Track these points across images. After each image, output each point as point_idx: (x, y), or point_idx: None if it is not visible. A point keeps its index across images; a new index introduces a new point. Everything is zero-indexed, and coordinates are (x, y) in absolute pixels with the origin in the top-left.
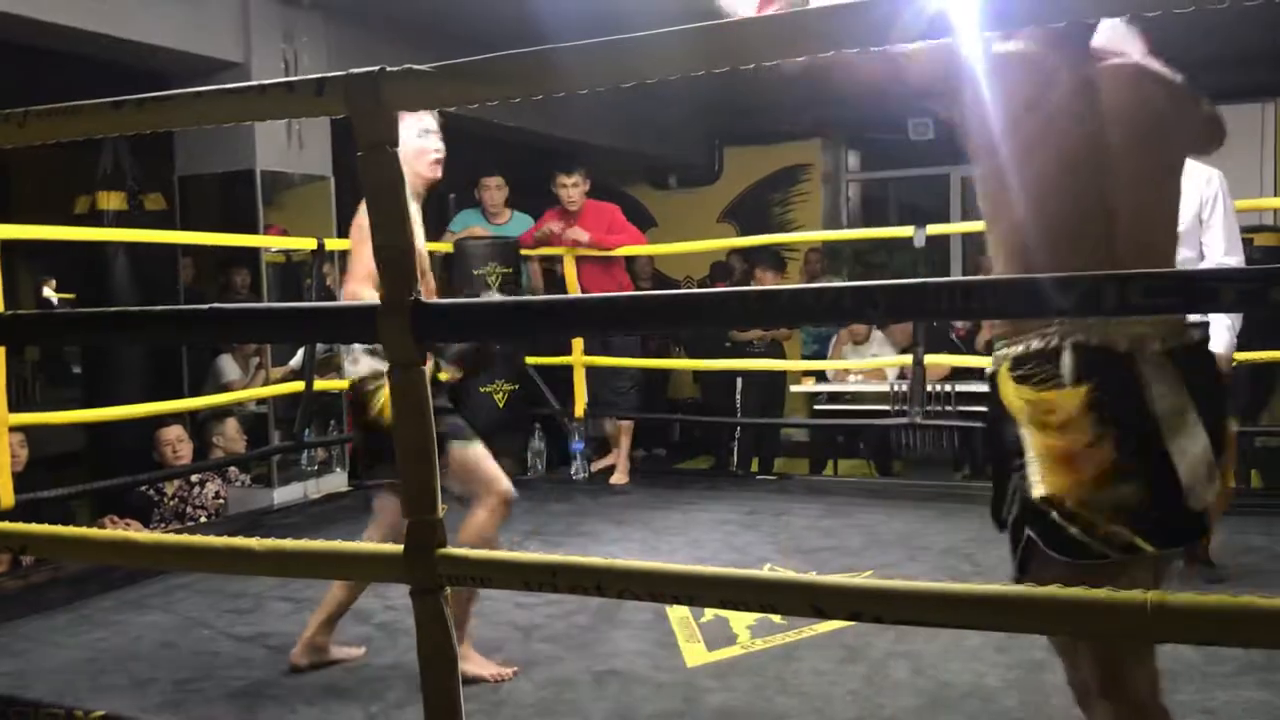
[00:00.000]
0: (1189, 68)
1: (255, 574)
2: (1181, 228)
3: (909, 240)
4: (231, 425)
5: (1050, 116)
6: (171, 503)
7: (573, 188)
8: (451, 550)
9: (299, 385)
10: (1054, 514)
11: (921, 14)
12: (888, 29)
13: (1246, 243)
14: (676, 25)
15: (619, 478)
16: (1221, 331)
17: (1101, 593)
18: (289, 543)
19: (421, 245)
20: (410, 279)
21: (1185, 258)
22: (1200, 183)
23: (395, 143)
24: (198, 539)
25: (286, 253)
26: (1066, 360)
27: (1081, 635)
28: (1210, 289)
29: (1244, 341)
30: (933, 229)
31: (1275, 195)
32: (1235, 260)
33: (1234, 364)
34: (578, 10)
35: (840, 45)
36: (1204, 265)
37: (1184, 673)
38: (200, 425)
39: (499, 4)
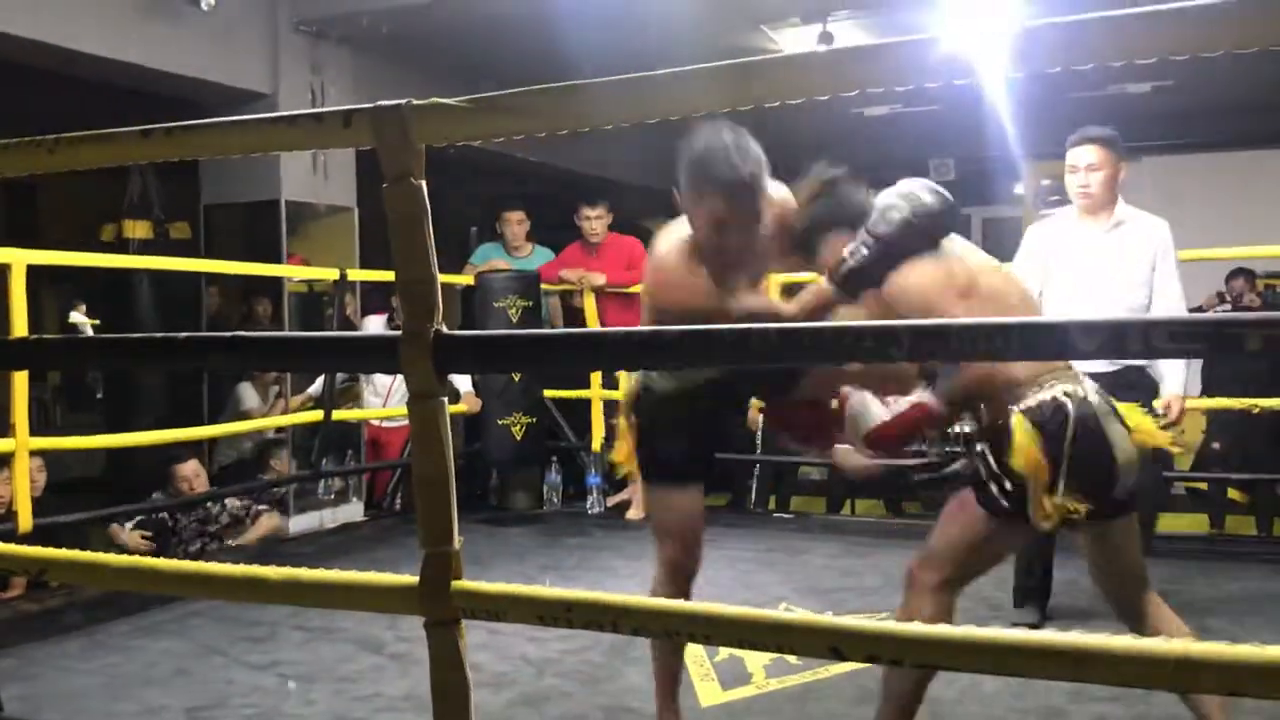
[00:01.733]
0: (1216, 113)
1: (270, 602)
2: (1136, 275)
3: None
4: (284, 454)
5: None
6: (190, 529)
7: (596, 220)
8: (467, 584)
9: (318, 415)
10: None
11: (943, 56)
12: (913, 70)
13: (1270, 289)
14: (704, 64)
15: (635, 513)
16: (1176, 372)
17: (1125, 641)
18: (304, 572)
19: None
20: (432, 310)
21: (1138, 303)
22: (1148, 230)
23: (421, 175)
24: (213, 566)
25: (309, 282)
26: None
27: (1108, 683)
28: (1236, 335)
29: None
30: None
31: None
32: (1180, 305)
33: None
34: (605, 47)
35: (866, 85)
36: (1156, 310)
37: None
38: (260, 450)
39: (526, 39)
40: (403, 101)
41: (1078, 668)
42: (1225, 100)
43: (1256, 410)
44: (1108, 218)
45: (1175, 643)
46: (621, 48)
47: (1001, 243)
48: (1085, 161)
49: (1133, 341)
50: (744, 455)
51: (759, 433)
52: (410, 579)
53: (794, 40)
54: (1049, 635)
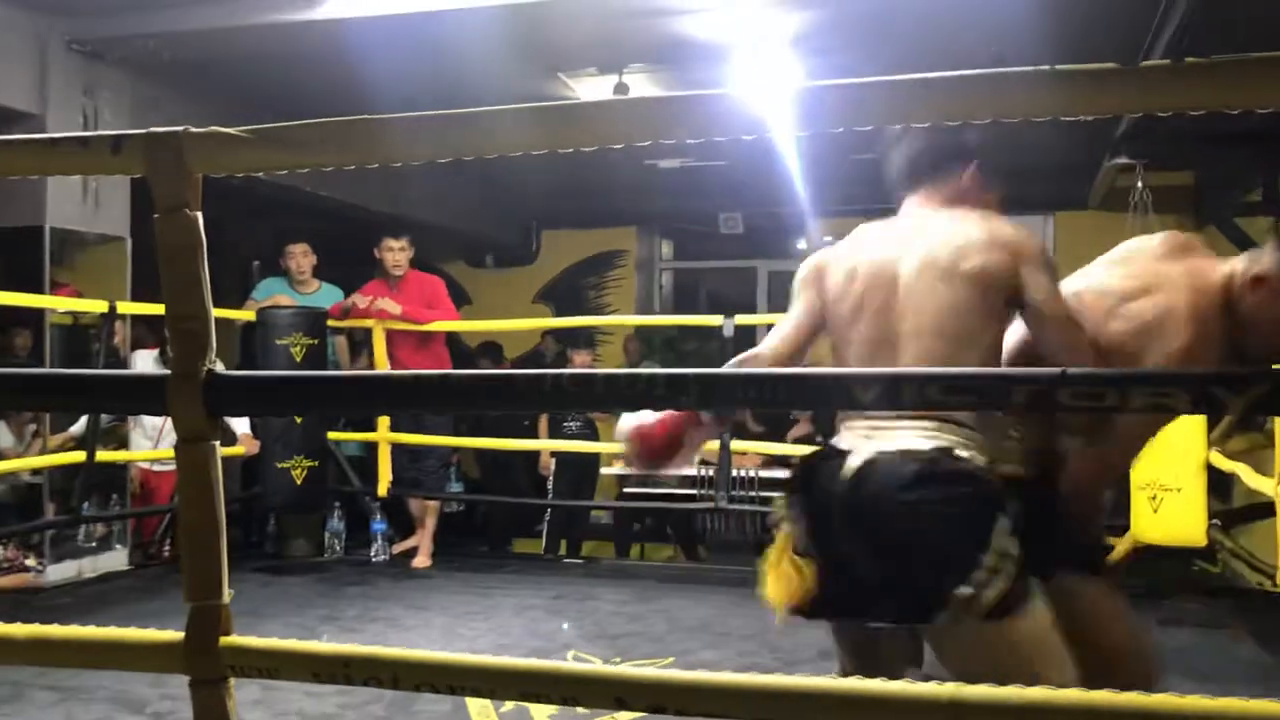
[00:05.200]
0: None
1: (16, 663)
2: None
3: (718, 329)
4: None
5: None
6: None
7: (399, 251)
8: (237, 639)
9: (80, 455)
10: None
11: (743, 113)
12: (717, 122)
13: None
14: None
15: (421, 560)
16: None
17: (898, 686)
18: (53, 630)
19: None
20: (205, 348)
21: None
22: None
23: (196, 206)
24: None
25: (75, 314)
26: None
27: None
28: (1004, 389)
29: None
30: (741, 319)
31: None
32: None
33: None
34: (403, 86)
35: (672, 134)
36: None
37: None
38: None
39: (324, 76)
40: (179, 129)
41: (857, 713)
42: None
43: None
44: None
45: (947, 686)
46: (419, 87)
47: (786, 295)
48: None
49: (908, 393)
50: (535, 500)
51: (549, 478)
52: (175, 635)
53: (590, 90)
54: (825, 682)
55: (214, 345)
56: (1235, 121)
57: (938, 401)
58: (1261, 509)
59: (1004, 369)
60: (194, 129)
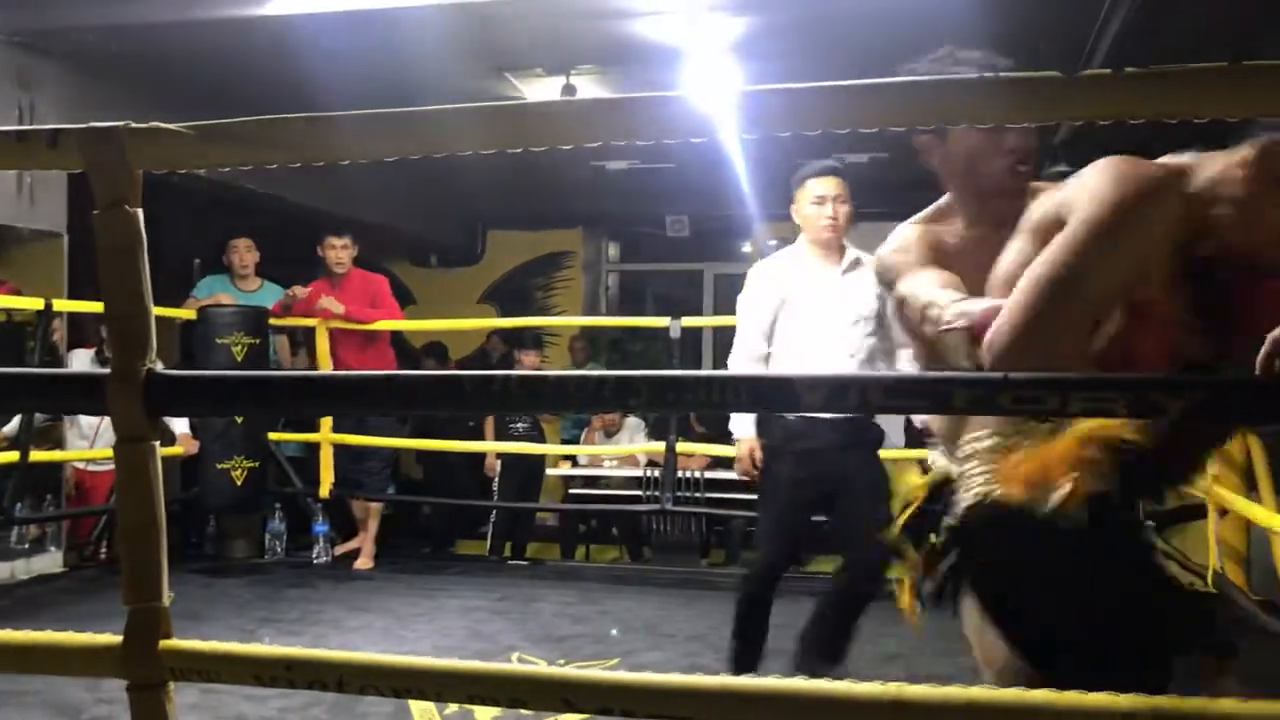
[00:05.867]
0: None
1: None
2: (872, 317)
3: (665, 330)
4: None
5: None
6: None
7: (342, 249)
8: (177, 643)
9: (13, 455)
10: None
11: (694, 115)
12: (665, 125)
13: None
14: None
15: (364, 562)
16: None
17: (843, 686)
18: None
19: None
20: (144, 347)
21: (876, 346)
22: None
23: (137, 203)
24: None
25: (9, 312)
26: None
27: None
28: (946, 392)
29: None
30: (687, 321)
31: None
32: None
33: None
34: (350, 85)
35: (621, 136)
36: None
37: None
38: None
39: (269, 73)
40: (119, 124)
41: (800, 713)
42: (930, 175)
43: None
44: (841, 257)
45: (890, 686)
46: (366, 85)
47: (732, 298)
48: (833, 193)
49: (852, 396)
50: (479, 503)
51: (495, 479)
52: (112, 639)
53: (538, 90)
54: (768, 683)
55: (154, 344)
56: (1172, 130)
57: (878, 405)
58: (1193, 510)
59: (947, 374)
60: (135, 124)
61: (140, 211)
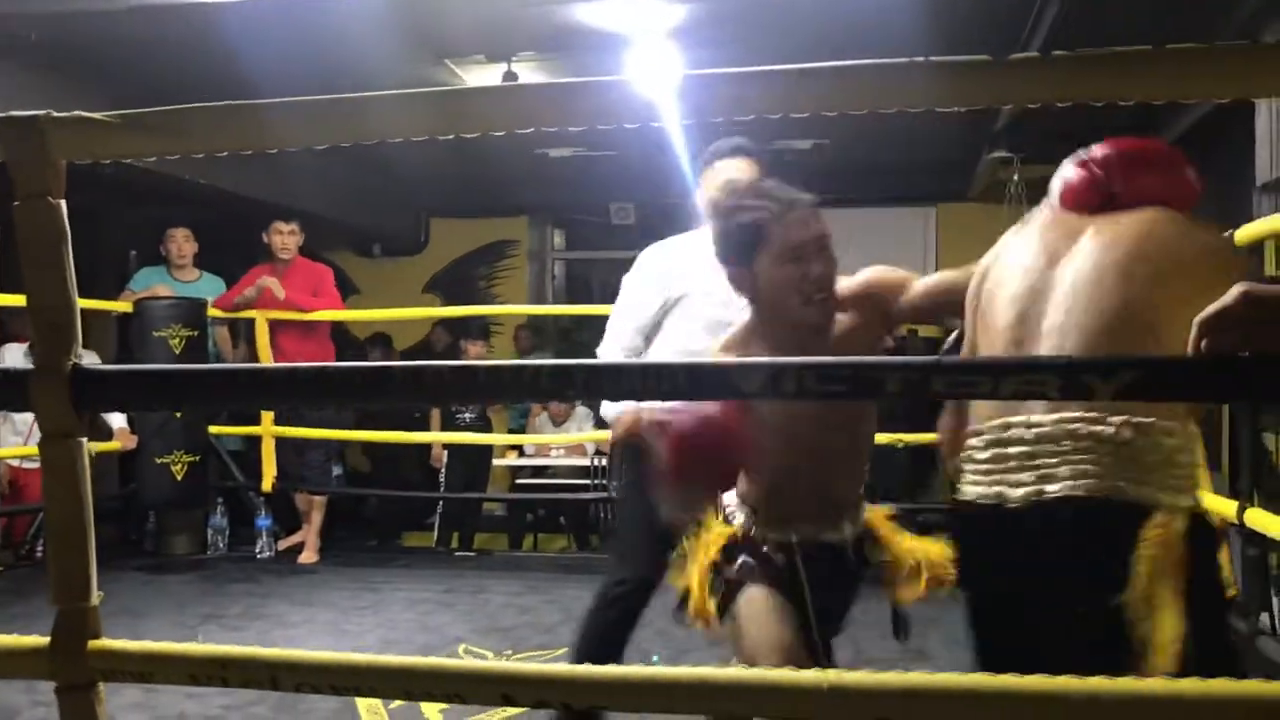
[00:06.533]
0: (864, 172)
1: None
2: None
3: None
4: None
5: None
6: None
7: (289, 235)
8: (107, 643)
9: None
10: None
11: (636, 100)
12: (609, 110)
13: (912, 334)
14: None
15: (308, 556)
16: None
17: (782, 673)
18: None
19: None
20: (69, 341)
21: (635, 345)
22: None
23: (60, 193)
24: None
25: None
26: None
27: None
28: (877, 378)
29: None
30: None
31: None
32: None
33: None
34: (288, 73)
35: (564, 121)
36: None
37: None
38: None
39: (204, 63)
40: (39, 112)
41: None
42: (873, 161)
43: (900, 444)
44: None
45: (830, 671)
46: (302, 73)
47: None
48: (742, 175)
49: (788, 383)
50: (425, 494)
51: (442, 470)
52: (40, 640)
53: (478, 78)
54: (709, 672)
55: (79, 337)
56: (1106, 115)
57: (815, 391)
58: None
59: (877, 359)
60: (56, 113)
61: (63, 203)
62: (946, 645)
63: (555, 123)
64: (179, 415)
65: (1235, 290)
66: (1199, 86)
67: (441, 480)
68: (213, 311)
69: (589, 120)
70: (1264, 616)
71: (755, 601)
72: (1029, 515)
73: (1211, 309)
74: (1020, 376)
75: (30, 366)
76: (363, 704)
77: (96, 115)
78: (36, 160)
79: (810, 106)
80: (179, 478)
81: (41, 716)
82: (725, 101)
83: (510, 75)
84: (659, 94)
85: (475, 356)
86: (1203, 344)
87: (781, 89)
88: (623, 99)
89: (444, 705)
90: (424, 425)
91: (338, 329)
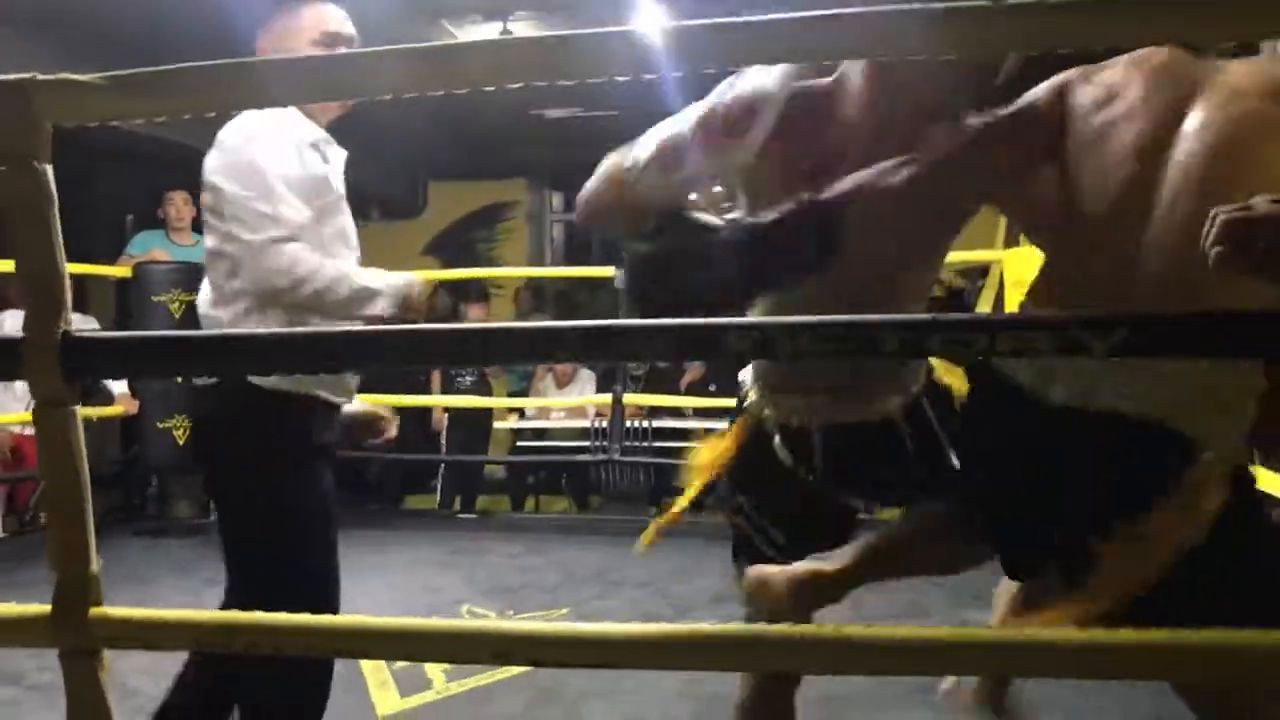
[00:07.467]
0: None
1: None
2: None
3: (610, 280)
4: None
5: None
6: None
7: None
8: (109, 609)
9: None
10: None
11: (631, 54)
12: (607, 63)
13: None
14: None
15: None
16: None
17: (785, 628)
18: None
19: None
20: (59, 309)
21: None
22: None
23: (47, 158)
24: None
25: None
26: None
27: (762, 669)
28: (872, 339)
29: None
30: None
31: None
32: None
33: None
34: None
35: (561, 75)
36: None
37: (855, 696)
38: None
39: (195, 16)
40: (25, 75)
41: (738, 658)
42: None
43: None
44: None
45: (828, 625)
46: None
47: None
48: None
49: (782, 345)
50: (427, 456)
51: (443, 433)
52: (42, 608)
53: (475, 36)
54: (708, 630)
55: (69, 304)
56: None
57: (808, 351)
58: None
59: (875, 316)
60: (42, 76)
61: (50, 167)
62: (948, 603)
63: (556, 77)
64: (180, 380)
65: (1267, 198)
66: (1208, 28)
67: (442, 444)
68: None
69: (587, 74)
70: None
71: None
72: (1074, 421)
73: (1239, 212)
74: (1014, 334)
75: (17, 335)
76: (367, 664)
77: (83, 77)
78: (23, 124)
79: (804, 55)
80: (181, 442)
81: (47, 681)
82: (719, 51)
83: (507, 34)
84: (655, 47)
85: (476, 319)
86: (1215, 250)
87: (778, 38)
88: (623, 51)
89: (447, 665)
90: (425, 389)
91: None
